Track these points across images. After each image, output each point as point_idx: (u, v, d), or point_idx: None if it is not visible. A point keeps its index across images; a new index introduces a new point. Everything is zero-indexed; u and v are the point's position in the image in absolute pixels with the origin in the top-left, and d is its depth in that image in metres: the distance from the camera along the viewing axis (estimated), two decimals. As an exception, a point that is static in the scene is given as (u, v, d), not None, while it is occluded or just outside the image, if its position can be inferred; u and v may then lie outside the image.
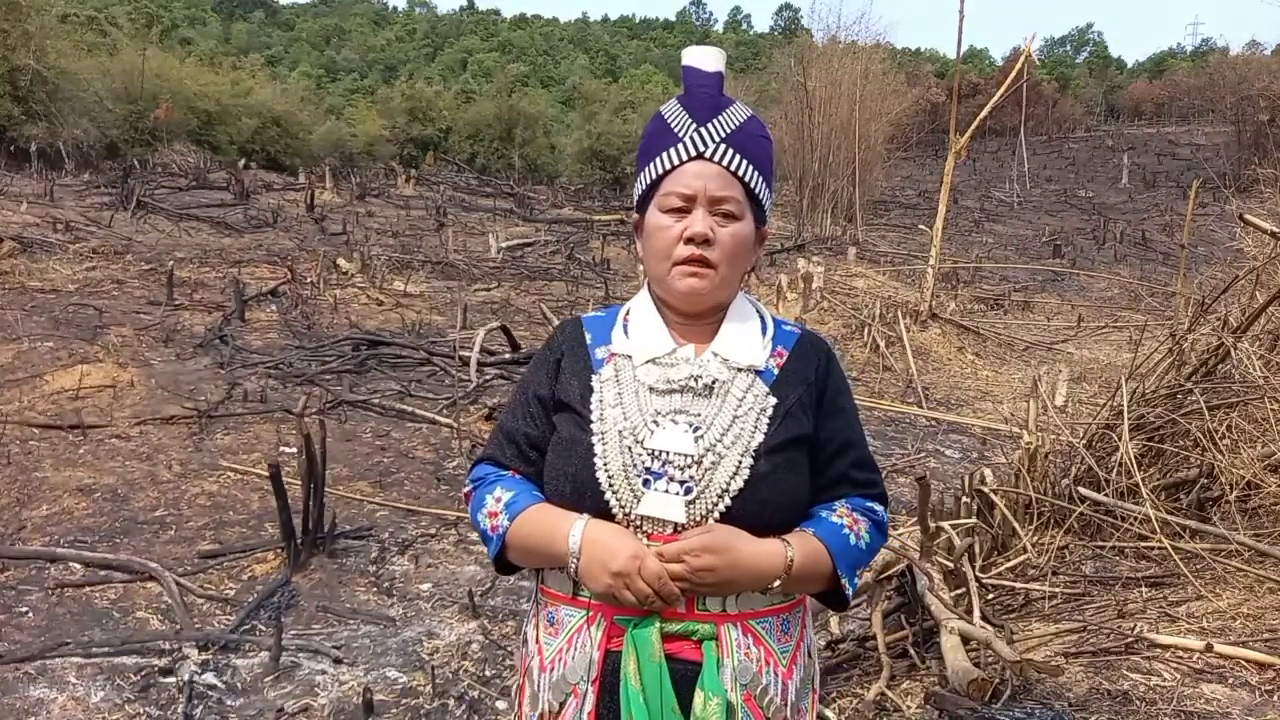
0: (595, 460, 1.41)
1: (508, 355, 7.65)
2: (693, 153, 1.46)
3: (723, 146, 1.45)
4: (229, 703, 3.21)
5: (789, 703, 1.44)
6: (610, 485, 1.39)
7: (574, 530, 1.38)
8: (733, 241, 1.45)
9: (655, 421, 1.42)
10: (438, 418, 6.33)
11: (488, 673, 3.48)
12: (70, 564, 4.13)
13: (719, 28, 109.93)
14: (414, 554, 4.49)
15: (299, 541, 4.22)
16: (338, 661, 3.47)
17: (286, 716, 3.15)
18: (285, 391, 6.69)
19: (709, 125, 1.46)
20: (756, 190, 1.48)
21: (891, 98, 23.17)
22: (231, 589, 4.06)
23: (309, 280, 10.42)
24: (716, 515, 1.38)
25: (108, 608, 3.82)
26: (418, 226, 16.64)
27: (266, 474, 4.46)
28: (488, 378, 7.16)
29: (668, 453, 1.39)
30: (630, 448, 1.40)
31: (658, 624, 1.37)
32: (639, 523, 1.38)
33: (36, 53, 20.49)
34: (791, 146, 20.83)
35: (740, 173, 1.46)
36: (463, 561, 4.47)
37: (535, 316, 9.75)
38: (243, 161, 24.04)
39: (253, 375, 7.01)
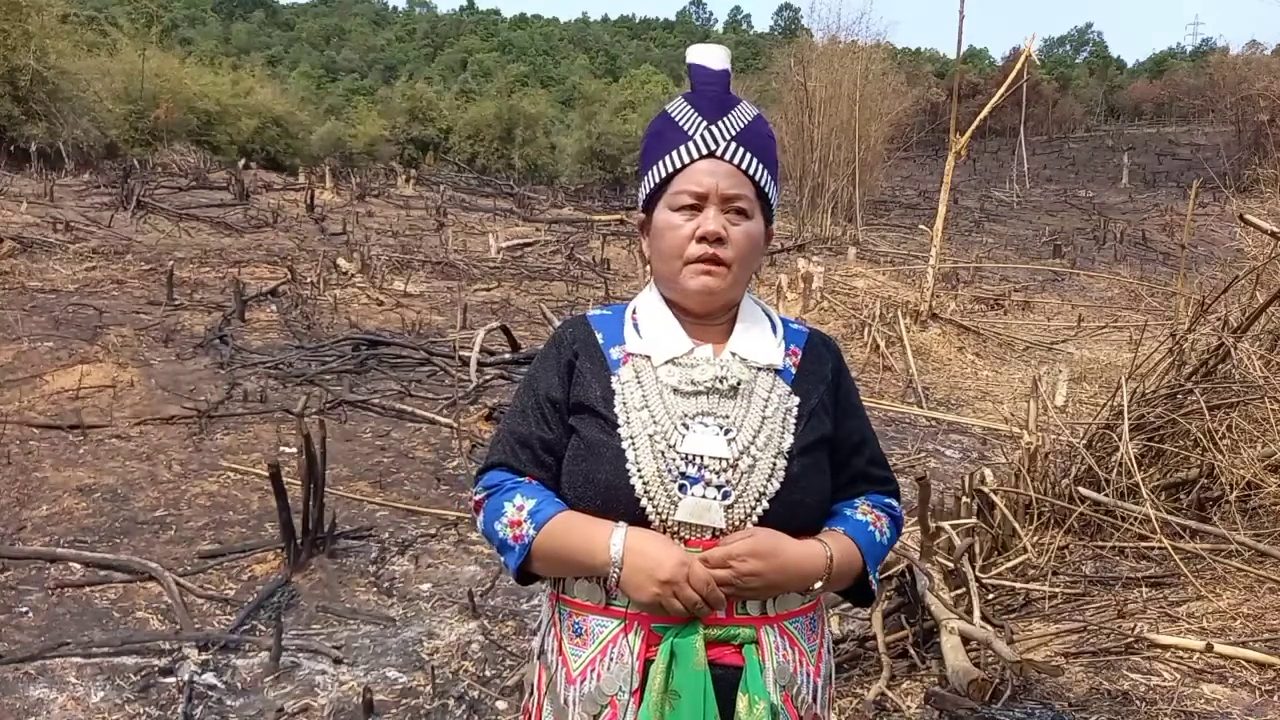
0: (628, 466, 1.37)
1: (508, 355, 7.65)
2: (704, 150, 1.44)
3: (734, 145, 1.44)
4: (229, 703, 3.21)
5: (818, 700, 1.45)
6: (646, 492, 1.36)
7: (614, 539, 1.35)
8: (745, 240, 1.44)
9: (685, 425, 1.39)
10: (438, 418, 6.33)
11: (488, 673, 3.48)
12: (70, 564, 4.12)
13: (719, 28, 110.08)
14: (414, 554, 4.49)
15: (299, 541, 4.22)
16: (338, 661, 3.47)
17: (286, 716, 3.15)
18: (285, 391, 6.69)
19: (720, 123, 1.45)
20: (766, 189, 1.48)
21: (891, 98, 23.12)
22: (231, 589, 4.05)
23: (309, 280, 10.42)
24: (755, 519, 1.37)
25: (108, 608, 3.81)
26: (418, 226, 16.64)
27: (266, 474, 4.46)
28: (488, 378, 7.16)
29: (702, 457, 1.37)
30: (664, 452, 1.37)
31: (701, 631, 1.34)
32: (676, 529, 1.36)
33: (36, 53, 20.50)
34: (791, 146, 20.79)
35: (751, 171, 1.45)
36: (463, 561, 4.47)
37: (535, 316, 9.74)
38: (243, 161, 24.04)
39: (253, 375, 7.01)
